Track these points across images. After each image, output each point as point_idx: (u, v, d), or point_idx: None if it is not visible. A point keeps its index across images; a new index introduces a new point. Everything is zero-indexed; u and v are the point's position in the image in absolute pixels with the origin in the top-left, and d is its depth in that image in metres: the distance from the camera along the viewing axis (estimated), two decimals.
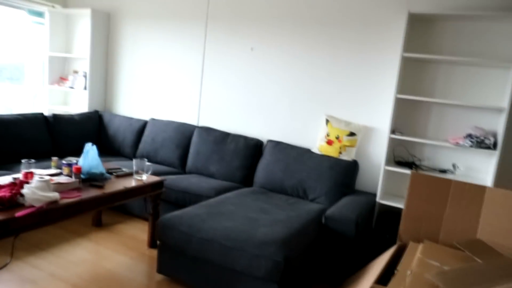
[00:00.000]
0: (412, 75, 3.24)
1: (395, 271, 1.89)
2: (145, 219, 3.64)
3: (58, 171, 2.86)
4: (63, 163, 2.78)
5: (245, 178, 3.76)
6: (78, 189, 2.56)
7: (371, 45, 3.38)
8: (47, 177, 2.38)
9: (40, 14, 4.78)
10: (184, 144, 4.08)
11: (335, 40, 3.52)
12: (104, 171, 2.88)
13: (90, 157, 2.81)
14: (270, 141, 3.76)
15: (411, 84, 3.25)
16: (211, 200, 3.00)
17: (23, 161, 2.63)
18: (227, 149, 3.84)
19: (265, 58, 3.85)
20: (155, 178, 3.03)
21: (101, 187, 2.66)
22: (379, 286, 1.81)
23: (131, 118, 4.49)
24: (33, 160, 2.66)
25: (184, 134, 4.11)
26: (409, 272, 1.84)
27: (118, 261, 2.86)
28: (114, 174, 3.00)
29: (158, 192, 3.04)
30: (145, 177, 3.00)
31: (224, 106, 4.10)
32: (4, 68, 4.81)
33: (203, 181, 3.58)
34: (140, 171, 3.00)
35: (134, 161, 2.98)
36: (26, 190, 2.22)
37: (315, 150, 3.57)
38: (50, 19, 4.74)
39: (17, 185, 2.27)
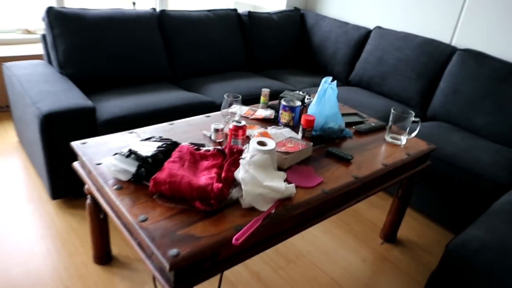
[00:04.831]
0: None
1: None
2: (389, 192, 2.47)
3: (270, 112, 1.82)
4: (283, 105, 1.71)
5: None
6: (309, 164, 1.48)
7: None
8: (271, 143, 1.32)
9: None
10: (431, 73, 2.66)
11: None
12: (343, 124, 1.73)
13: (327, 102, 1.66)
14: None
15: None
16: None
17: (225, 96, 1.63)
18: (511, 94, 2.33)
19: None
20: (422, 145, 1.78)
21: (348, 160, 1.53)
22: None
23: (346, 24, 3.17)
24: (239, 97, 1.64)
25: (433, 58, 2.66)
26: None
27: (344, 262, 1.84)
28: (354, 128, 1.85)
29: (421, 168, 1.81)
30: (405, 141, 1.77)
31: (507, 17, 2.45)
32: None
33: (471, 144, 2.21)
34: (396, 128, 1.77)
35: (392, 112, 1.75)
36: (242, 172, 1.20)
37: None
38: None
39: (227, 161, 1.27)
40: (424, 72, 2.67)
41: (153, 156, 1.24)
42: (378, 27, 3.01)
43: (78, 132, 1.83)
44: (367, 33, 3.05)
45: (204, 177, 1.19)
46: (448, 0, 2.69)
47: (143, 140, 1.37)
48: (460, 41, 2.70)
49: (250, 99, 2.38)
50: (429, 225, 2.23)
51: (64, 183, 1.91)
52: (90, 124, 1.87)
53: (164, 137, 1.43)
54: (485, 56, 2.47)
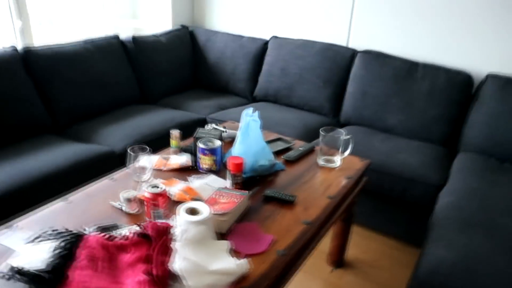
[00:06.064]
0: None
1: None
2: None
3: (186, 158, 1.53)
4: (201, 148, 1.45)
5: (447, 137, 2.32)
6: (250, 218, 1.24)
7: None
8: (204, 208, 1.06)
9: None
10: (337, 78, 2.61)
11: None
12: (273, 158, 1.52)
13: (252, 137, 1.44)
14: (491, 76, 2.21)
15: None
16: (453, 200, 1.64)
17: (129, 151, 1.32)
18: (416, 89, 2.36)
19: None
20: (357, 163, 1.66)
21: (291, 202, 1.32)
22: None
23: (241, 37, 3.00)
24: (147, 148, 1.34)
25: (336, 63, 2.61)
26: None
27: None
28: (283, 157, 1.65)
29: (361, 187, 1.69)
30: (340, 162, 1.63)
31: (402, 16, 2.50)
32: None
33: (392, 146, 2.18)
34: (326, 149, 1.62)
35: (321, 134, 1.59)
36: (179, 262, 0.92)
37: None
38: None
39: (155, 248, 0.96)
40: (330, 78, 2.61)
41: (50, 268, 0.89)
42: (274, 37, 2.89)
43: None
44: (264, 44, 2.92)
45: (131, 282, 0.88)
46: (338, 3, 2.66)
47: (29, 243, 0.99)
48: (356, 43, 2.69)
49: (156, 140, 2.07)
50: (370, 236, 2.15)
51: None
52: None
53: (61, 227, 1.07)
54: (385, 55, 2.48)
